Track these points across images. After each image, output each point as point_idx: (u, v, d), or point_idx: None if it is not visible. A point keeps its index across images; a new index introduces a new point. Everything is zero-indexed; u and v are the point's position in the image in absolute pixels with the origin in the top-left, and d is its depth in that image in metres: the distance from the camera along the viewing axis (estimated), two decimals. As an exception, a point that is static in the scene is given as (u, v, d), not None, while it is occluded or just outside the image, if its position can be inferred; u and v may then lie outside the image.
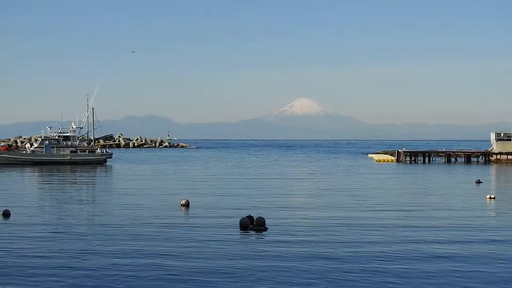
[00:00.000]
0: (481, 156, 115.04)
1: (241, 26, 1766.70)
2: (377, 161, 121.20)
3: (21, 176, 76.01)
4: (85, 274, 21.59)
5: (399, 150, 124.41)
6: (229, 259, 24.01)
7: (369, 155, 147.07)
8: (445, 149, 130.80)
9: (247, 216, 32.41)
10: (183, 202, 41.72)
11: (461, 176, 76.65)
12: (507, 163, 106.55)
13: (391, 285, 20.31)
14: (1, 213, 36.80)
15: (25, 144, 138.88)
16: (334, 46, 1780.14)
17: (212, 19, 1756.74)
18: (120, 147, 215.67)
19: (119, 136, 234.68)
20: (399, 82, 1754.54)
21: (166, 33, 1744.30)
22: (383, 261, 23.66)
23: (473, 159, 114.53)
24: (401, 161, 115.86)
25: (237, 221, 32.48)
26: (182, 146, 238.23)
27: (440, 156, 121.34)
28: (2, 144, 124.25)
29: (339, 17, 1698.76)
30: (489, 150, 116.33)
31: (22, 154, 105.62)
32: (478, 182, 63.31)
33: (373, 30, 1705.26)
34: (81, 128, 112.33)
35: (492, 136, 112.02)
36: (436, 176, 75.45)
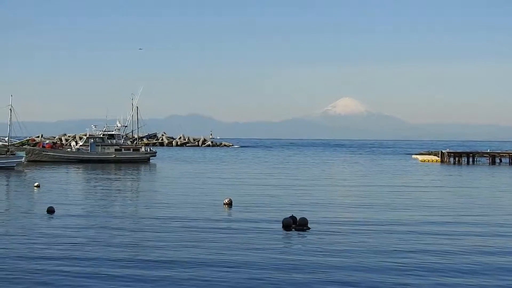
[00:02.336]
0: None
1: (283, 24, 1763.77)
2: (421, 161, 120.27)
3: (66, 173, 76.67)
4: (126, 274, 21.72)
5: (443, 151, 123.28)
6: (272, 259, 23.93)
7: (413, 156, 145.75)
8: (489, 150, 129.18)
9: (290, 216, 32.31)
10: (226, 201, 41.76)
11: (507, 177, 75.59)
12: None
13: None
14: (46, 209, 37.27)
15: (70, 142, 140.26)
16: (378, 44, 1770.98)
17: (256, 17, 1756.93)
18: (163, 145, 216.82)
19: (163, 135, 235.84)
20: (443, 81, 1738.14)
21: (211, 30, 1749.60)
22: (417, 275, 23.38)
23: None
24: (445, 162, 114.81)
25: (280, 220, 32.42)
26: (225, 145, 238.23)
27: (485, 157, 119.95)
28: (47, 141, 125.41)
29: (383, 16, 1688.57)
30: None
31: (67, 152, 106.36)
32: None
33: (418, 29, 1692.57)
34: (126, 126, 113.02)
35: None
36: (480, 178, 74.52)
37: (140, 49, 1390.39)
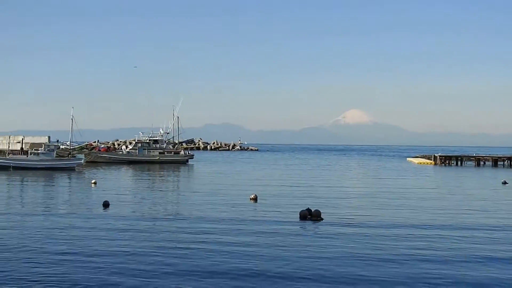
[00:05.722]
0: (507, 161, 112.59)
1: (301, 29, 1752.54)
2: (417, 163, 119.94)
3: (118, 173, 77.23)
4: (162, 261, 21.68)
5: (436, 155, 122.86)
6: (289, 242, 24.18)
7: (408, 159, 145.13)
8: (475, 154, 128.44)
9: (306, 209, 32.57)
10: (252, 196, 41.99)
11: (490, 177, 75.16)
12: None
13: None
14: (102, 203, 37.73)
15: (121, 146, 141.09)
16: (382, 61, 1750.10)
17: (280, 24, 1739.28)
18: (199, 149, 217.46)
19: (199, 141, 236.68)
20: (445, 95, 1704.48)
21: (235, 37, 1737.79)
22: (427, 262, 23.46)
23: (499, 163, 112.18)
24: (437, 164, 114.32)
25: (298, 212, 32.67)
26: (251, 149, 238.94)
27: (471, 160, 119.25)
28: (103, 146, 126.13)
29: (406, 20, 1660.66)
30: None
31: (119, 155, 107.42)
32: (504, 182, 62.31)
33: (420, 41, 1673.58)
34: (168, 133, 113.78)
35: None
36: (468, 178, 74.27)
37: (135, 67, 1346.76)
